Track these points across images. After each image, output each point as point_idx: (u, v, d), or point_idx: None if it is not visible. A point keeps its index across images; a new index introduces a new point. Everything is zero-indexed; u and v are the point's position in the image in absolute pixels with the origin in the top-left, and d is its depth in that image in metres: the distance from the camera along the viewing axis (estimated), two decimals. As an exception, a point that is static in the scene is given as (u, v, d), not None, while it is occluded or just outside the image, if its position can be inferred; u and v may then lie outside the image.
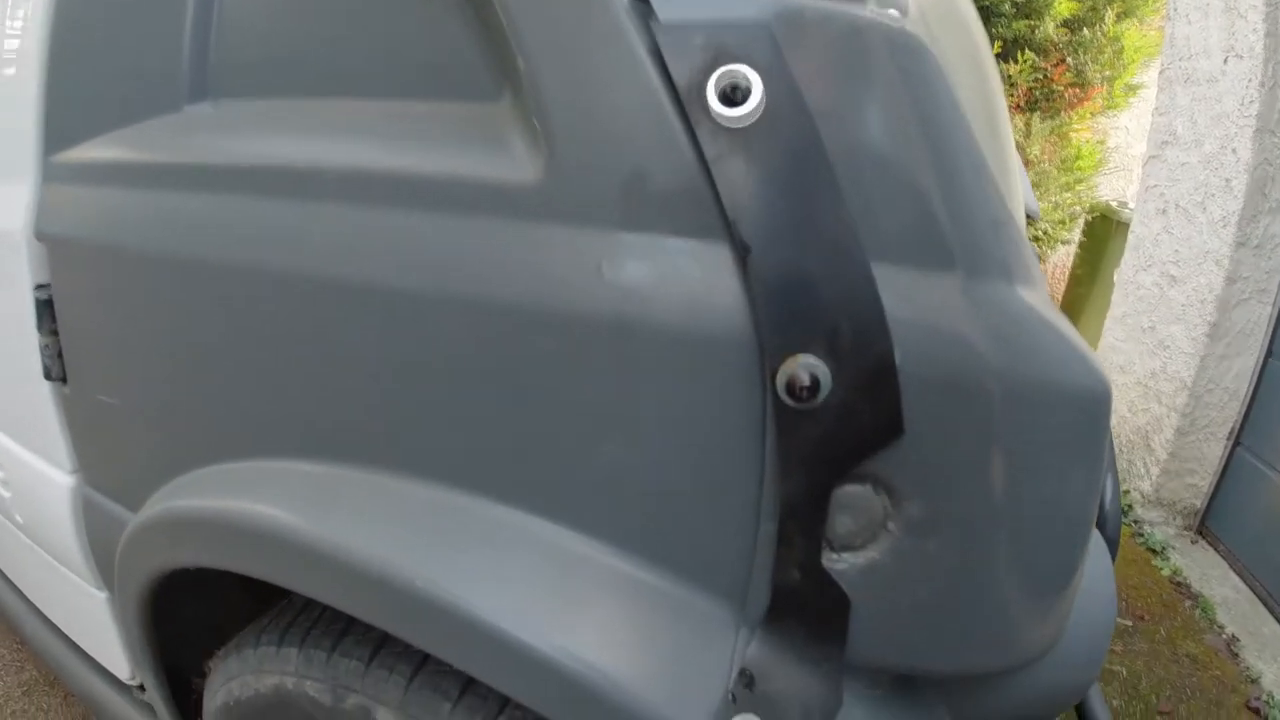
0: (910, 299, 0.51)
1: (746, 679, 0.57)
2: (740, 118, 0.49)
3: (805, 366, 0.50)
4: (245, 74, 0.82)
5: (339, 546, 0.66)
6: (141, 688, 1.28)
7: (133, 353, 0.91)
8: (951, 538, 0.55)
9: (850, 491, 0.54)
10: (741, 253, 0.52)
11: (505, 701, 0.76)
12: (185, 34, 0.82)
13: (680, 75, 0.51)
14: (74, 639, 1.39)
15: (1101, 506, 1.26)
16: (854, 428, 0.52)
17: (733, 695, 0.56)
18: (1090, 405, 0.57)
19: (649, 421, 0.57)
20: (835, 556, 0.56)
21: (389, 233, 0.64)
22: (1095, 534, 1.00)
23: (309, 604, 0.92)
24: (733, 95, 0.49)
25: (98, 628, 1.27)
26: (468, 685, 0.77)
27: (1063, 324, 0.58)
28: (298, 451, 0.76)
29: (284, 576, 0.74)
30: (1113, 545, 1.23)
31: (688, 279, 0.54)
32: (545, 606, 0.60)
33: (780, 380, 0.51)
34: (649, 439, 0.57)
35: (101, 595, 1.21)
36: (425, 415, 0.66)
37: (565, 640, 0.58)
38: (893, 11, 0.53)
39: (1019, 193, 0.73)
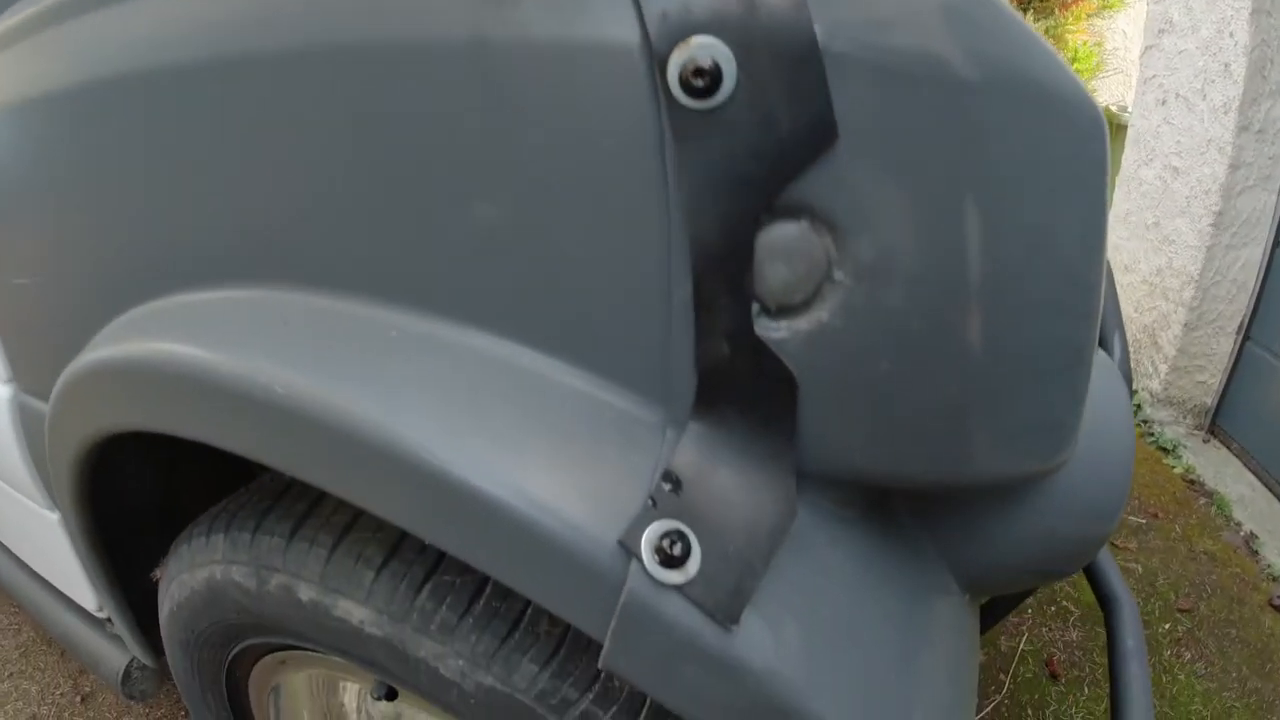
0: None
1: (672, 481, 0.45)
2: None
3: (701, 49, 0.38)
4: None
5: (197, 365, 0.54)
6: (111, 620, 1.19)
7: (31, 219, 0.80)
8: (917, 287, 0.43)
9: (780, 231, 0.42)
10: None
11: (433, 568, 0.65)
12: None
13: None
14: (41, 573, 1.30)
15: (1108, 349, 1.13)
16: (772, 132, 0.39)
17: (652, 499, 0.44)
18: (1083, 119, 0.44)
19: (525, 168, 0.45)
20: (772, 324, 0.44)
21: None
22: (1107, 361, 0.87)
23: (242, 491, 0.82)
24: None
25: (57, 554, 1.17)
26: (392, 552, 0.66)
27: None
28: (188, 282, 0.63)
29: (175, 418, 0.62)
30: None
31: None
32: (427, 408, 0.47)
33: (673, 72, 0.39)
34: (527, 191, 0.45)
35: (54, 516, 1.11)
36: (296, 210, 0.54)
37: (453, 446, 0.46)
38: None
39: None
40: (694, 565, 0.43)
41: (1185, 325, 2.45)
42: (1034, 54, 0.42)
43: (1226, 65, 2.36)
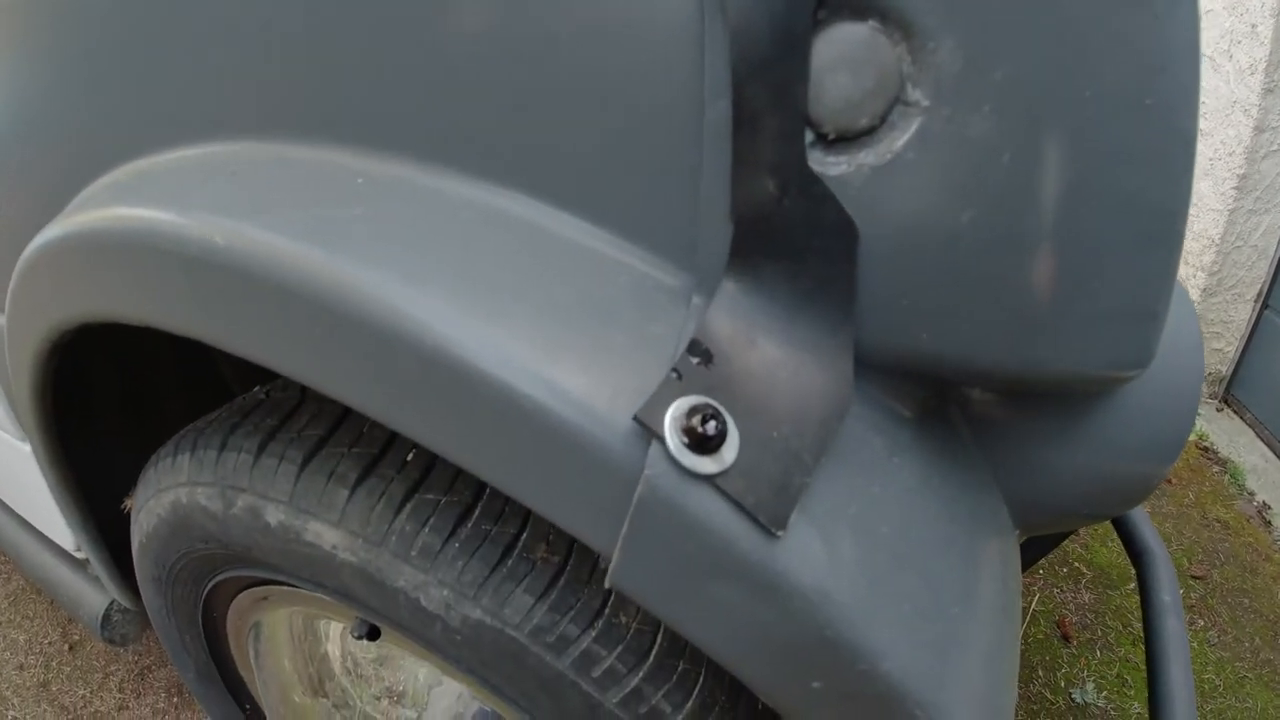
0: None
1: (700, 354, 0.35)
2: None
3: None
4: None
5: (144, 229, 0.44)
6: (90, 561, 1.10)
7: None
8: (1011, 111, 0.33)
9: (844, 33, 0.32)
10: None
11: (414, 486, 0.56)
12: None
13: None
14: (19, 512, 1.22)
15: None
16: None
17: (676, 371, 0.34)
18: None
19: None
20: (830, 156, 0.34)
21: None
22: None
23: (214, 412, 0.72)
24: None
25: (33, 489, 1.08)
26: (369, 469, 0.57)
27: None
28: (136, 149, 0.53)
29: (113, 296, 0.52)
30: None
31: None
32: (395, 263, 0.37)
33: None
34: None
35: (26, 447, 1.02)
36: (239, 44, 0.44)
37: (425, 308, 0.36)
38: None
39: None
40: (730, 451, 0.33)
41: (1204, 290, 2.34)
42: None
43: (1253, 26, 2.25)
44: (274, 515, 0.59)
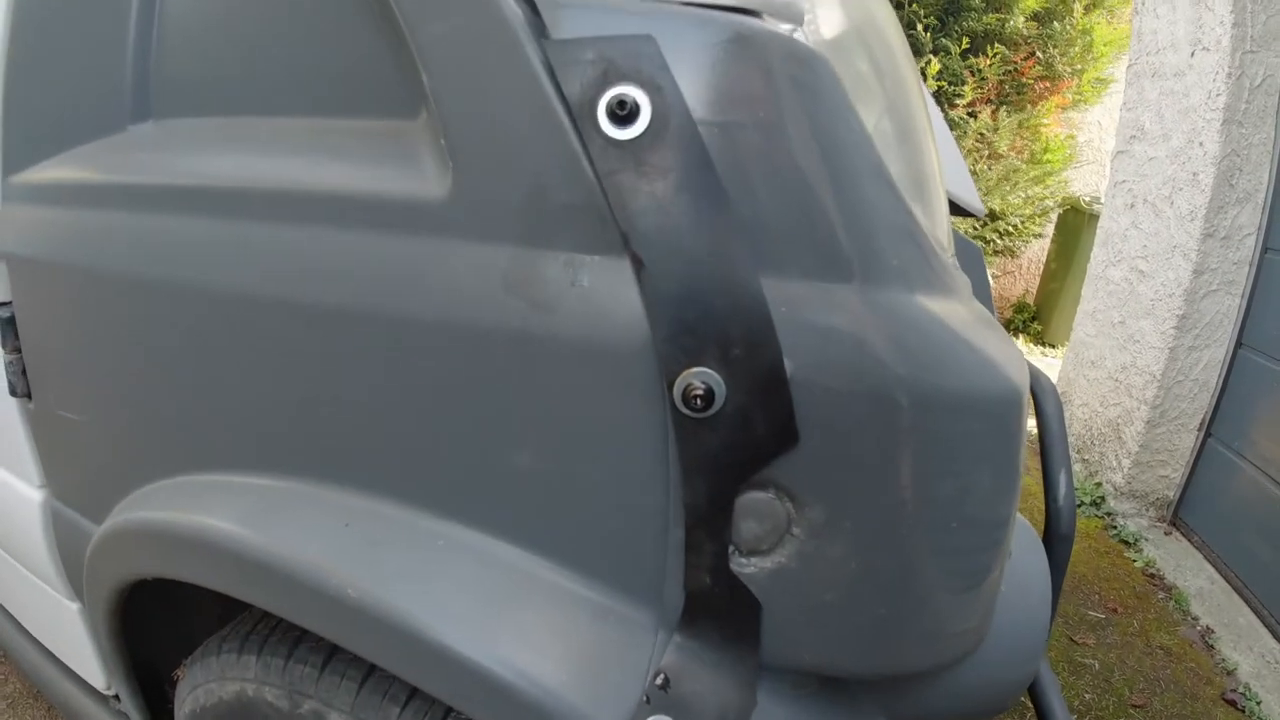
0: (802, 309, 0.52)
1: (662, 680, 0.58)
2: (630, 138, 0.51)
3: (700, 377, 0.52)
4: (183, 94, 0.84)
5: (277, 557, 0.68)
6: (118, 698, 1.29)
7: (89, 369, 0.93)
8: (856, 541, 0.56)
9: (753, 498, 0.56)
10: (636, 266, 0.53)
11: (450, 708, 0.77)
12: (128, 58, 0.84)
13: (572, 93, 0.52)
14: (51, 650, 1.40)
15: (1055, 501, 1.27)
16: (750, 436, 0.53)
17: (647, 697, 0.57)
18: (997, 410, 0.58)
19: (557, 431, 0.59)
20: (743, 561, 0.58)
21: (311, 251, 0.66)
22: (1029, 530, 1.01)
23: (267, 613, 0.94)
24: (623, 114, 0.51)
25: (72, 639, 1.28)
26: (416, 690, 0.79)
27: (974, 330, 0.59)
28: (244, 465, 0.77)
29: (231, 586, 0.76)
30: (1067, 541, 1.24)
31: (589, 293, 0.55)
32: (468, 611, 0.61)
33: (677, 391, 0.53)
34: (558, 449, 0.59)
35: (74, 607, 1.22)
36: (353, 429, 0.68)
37: (487, 644, 0.60)
38: (784, 26, 0.54)
39: (938, 198, 0.74)
40: (677, 751, 0.57)
41: (1148, 422, 2.61)
42: (970, 366, 0.56)
43: (1195, 174, 2.54)
44: (336, 720, 0.81)
